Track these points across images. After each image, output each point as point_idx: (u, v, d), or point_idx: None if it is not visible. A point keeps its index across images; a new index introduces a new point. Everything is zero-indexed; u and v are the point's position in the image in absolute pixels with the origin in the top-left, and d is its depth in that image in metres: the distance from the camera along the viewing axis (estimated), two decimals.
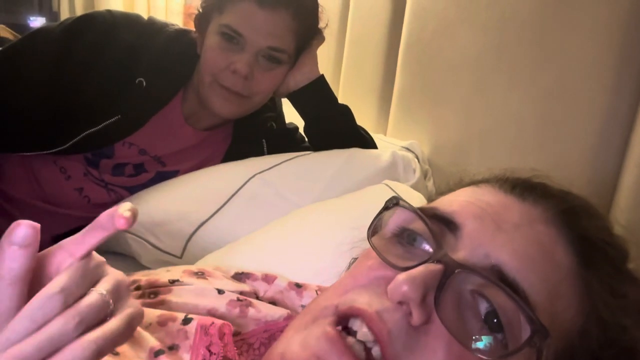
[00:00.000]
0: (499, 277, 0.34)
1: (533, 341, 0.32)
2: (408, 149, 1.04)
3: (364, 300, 0.35)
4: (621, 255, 0.41)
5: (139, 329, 0.44)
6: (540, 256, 0.36)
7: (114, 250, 0.91)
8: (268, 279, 0.57)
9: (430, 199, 0.47)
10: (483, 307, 0.34)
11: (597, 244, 0.39)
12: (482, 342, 0.33)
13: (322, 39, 0.99)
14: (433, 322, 0.33)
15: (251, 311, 0.49)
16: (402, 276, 0.33)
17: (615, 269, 0.39)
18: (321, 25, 0.98)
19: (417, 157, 1.02)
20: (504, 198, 0.40)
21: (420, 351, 0.33)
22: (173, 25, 0.99)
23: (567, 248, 0.37)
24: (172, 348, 0.43)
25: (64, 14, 2.41)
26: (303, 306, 0.55)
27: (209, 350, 0.42)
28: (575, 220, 0.39)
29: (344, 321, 0.35)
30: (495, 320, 0.33)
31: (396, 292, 0.33)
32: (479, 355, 0.32)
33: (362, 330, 0.34)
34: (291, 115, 1.06)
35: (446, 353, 0.33)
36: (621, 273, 0.40)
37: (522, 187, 0.41)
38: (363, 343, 0.34)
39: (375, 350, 0.33)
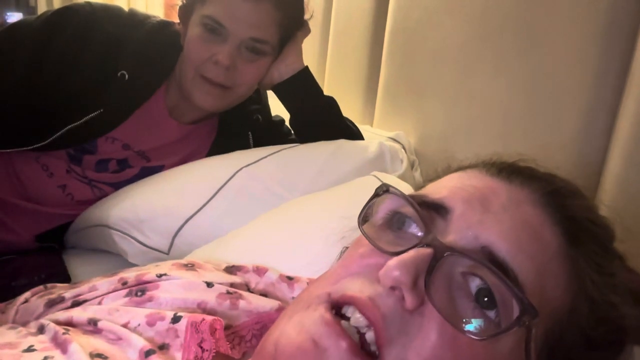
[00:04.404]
0: (489, 259, 0.35)
1: (522, 320, 0.33)
2: (395, 140, 1.04)
3: (355, 288, 0.35)
4: (607, 234, 0.41)
5: (127, 330, 0.43)
6: (528, 237, 0.36)
7: (100, 248, 0.90)
8: (259, 271, 0.57)
9: (417, 189, 0.48)
10: (474, 286, 0.34)
11: (583, 223, 0.39)
12: (473, 323, 0.33)
13: (308, 31, 0.98)
14: (426, 305, 0.34)
15: (242, 303, 0.49)
16: (393, 261, 0.33)
17: (602, 248, 0.40)
18: (306, 16, 0.97)
19: (403, 148, 1.02)
20: (491, 181, 0.40)
21: (414, 333, 0.33)
22: (155, 17, 0.97)
23: (554, 228, 0.38)
24: (163, 347, 0.42)
25: (42, 9, 2.37)
26: (294, 298, 0.54)
27: (201, 347, 0.41)
28: (562, 201, 0.39)
29: (337, 308, 0.35)
30: (486, 299, 0.34)
31: (388, 277, 0.33)
32: (471, 335, 0.33)
33: (355, 316, 0.34)
34: (277, 107, 1.05)
35: (439, 334, 0.33)
36: (608, 251, 0.40)
37: (508, 171, 0.41)
38: (356, 328, 0.34)
39: (369, 335, 0.33)
